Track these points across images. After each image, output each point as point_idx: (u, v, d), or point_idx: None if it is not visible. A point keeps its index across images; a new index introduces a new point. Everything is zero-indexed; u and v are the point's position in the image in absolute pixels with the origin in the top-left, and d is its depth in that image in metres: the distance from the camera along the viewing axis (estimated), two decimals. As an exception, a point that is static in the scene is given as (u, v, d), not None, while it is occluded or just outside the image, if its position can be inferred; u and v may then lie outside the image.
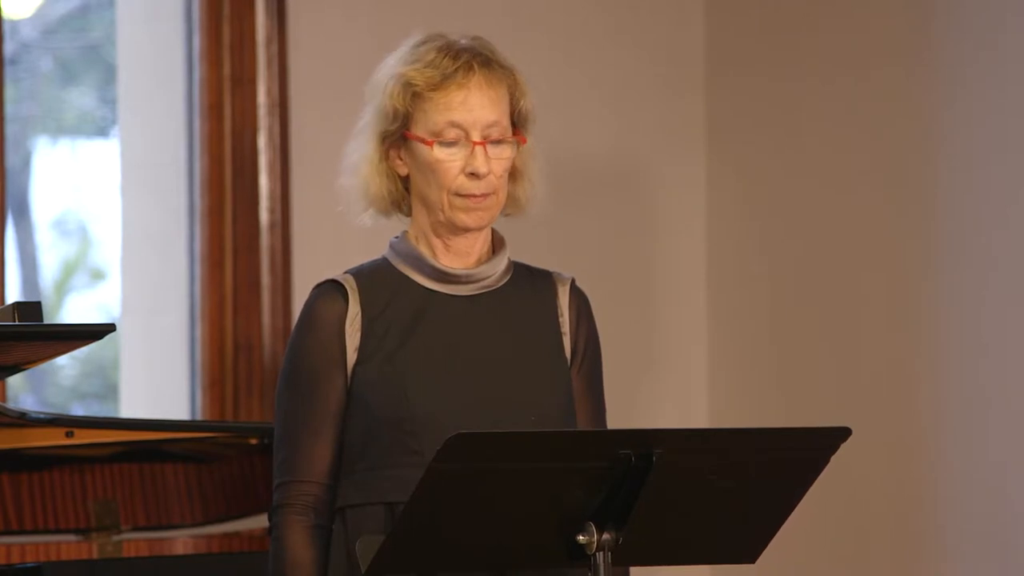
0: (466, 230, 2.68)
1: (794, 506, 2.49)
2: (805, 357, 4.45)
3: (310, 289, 2.73)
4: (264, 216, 4.12)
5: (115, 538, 3.27)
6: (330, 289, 2.69)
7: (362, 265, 2.73)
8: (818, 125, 4.44)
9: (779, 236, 4.51)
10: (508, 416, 2.64)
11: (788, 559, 4.06)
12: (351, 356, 2.66)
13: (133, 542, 3.32)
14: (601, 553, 2.41)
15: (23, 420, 3.21)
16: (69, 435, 3.23)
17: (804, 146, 4.47)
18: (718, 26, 4.60)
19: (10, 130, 4.00)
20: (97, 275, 4.99)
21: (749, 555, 2.52)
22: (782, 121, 4.50)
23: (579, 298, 2.76)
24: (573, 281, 2.77)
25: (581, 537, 2.42)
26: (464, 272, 2.70)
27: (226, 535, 3.40)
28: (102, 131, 4.87)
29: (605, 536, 2.41)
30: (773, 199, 4.51)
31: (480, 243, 2.71)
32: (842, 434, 2.46)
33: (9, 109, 3.97)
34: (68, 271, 5.03)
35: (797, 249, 4.48)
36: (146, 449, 3.33)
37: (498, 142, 2.67)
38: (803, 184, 4.47)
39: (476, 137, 2.65)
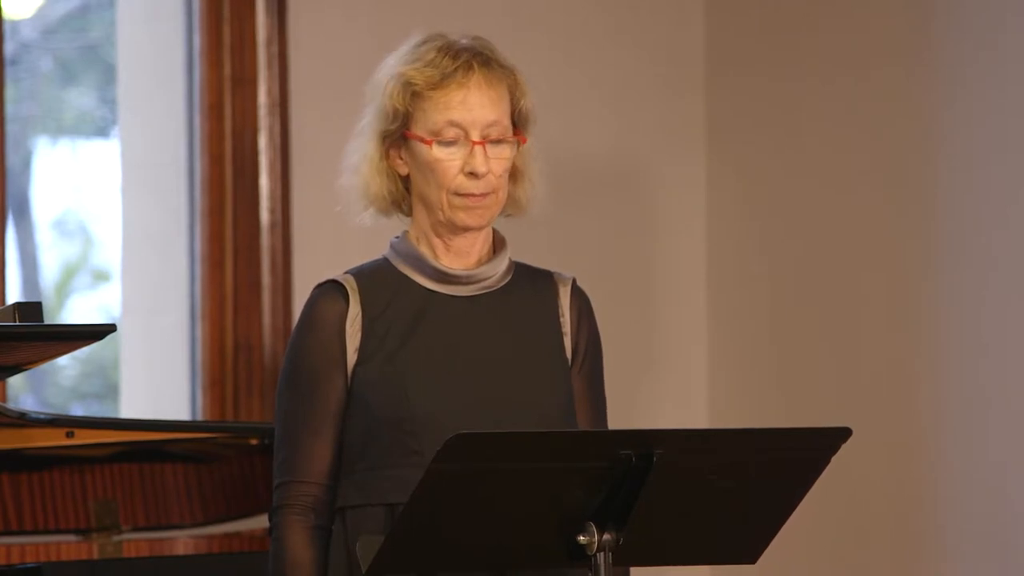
0: (466, 229, 2.68)
1: (795, 506, 2.49)
2: (805, 357, 4.45)
3: (310, 289, 2.73)
4: (264, 216, 4.12)
5: (115, 538, 3.27)
6: (330, 289, 2.69)
7: (362, 265, 2.74)
8: (818, 125, 4.44)
9: (779, 236, 4.51)
10: (508, 416, 2.64)
11: (788, 559, 4.06)
12: (351, 356, 2.66)
13: (133, 542, 3.32)
14: (602, 553, 2.41)
15: (23, 420, 3.21)
16: (69, 435, 3.23)
17: (804, 146, 4.47)
18: (718, 26, 4.60)
19: (10, 130, 4.00)
20: (100, 276, 4.99)
21: (749, 555, 2.52)
22: (782, 121, 4.50)
23: (580, 298, 2.76)
24: (574, 281, 2.77)
25: (581, 537, 2.42)
26: (464, 272, 2.70)
27: (226, 535, 3.40)
28: (102, 131, 4.87)
29: (605, 536, 2.41)
30: (773, 199, 4.51)
31: (480, 243, 2.72)
32: (842, 434, 2.46)
33: (9, 109, 3.97)
34: (70, 272, 5.02)
35: (797, 249, 4.48)
36: (146, 449, 3.33)
37: (498, 142, 2.67)
38: (803, 184, 4.47)
39: (475, 136, 2.65)
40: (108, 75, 4.53)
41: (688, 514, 2.45)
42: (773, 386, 4.49)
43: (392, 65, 2.69)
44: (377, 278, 2.70)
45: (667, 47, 4.57)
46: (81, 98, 4.96)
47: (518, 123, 2.70)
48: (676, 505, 2.43)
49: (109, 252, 4.78)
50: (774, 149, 4.52)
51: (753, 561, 2.52)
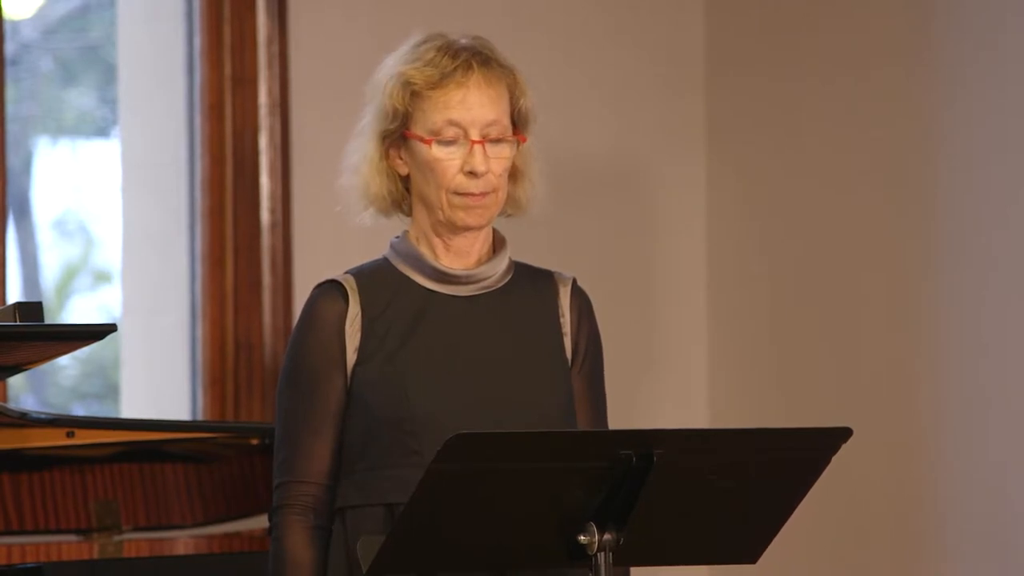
0: (466, 229, 2.68)
1: (795, 506, 2.49)
2: (805, 357, 4.45)
3: (311, 289, 2.74)
4: (265, 216, 4.12)
5: (116, 538, 3.26)
6: (330, 289, 2.70)
7: (362, 265, 2.74)
8: (818, 125, 4.44)
9: (779, 236, 4.51)
10: (508, 416, 2.64)
11: (788, 559, 4.06)
12: (351, 356, 2.66)
13: (134, 542, 3.32)
14: (602, 553, 2.41)
15: (24, 420, 3.21)
16: (70, 435, 3.23)
17: (804, 146, 4.47)
18: (718, 26, 4.60)
19: (11, 130, 4.00)
20: (100, 276, 4.99)
21: (750, 555, 2.52)
22: (782, 121, 4.50)
23: (580, 298, 2.76)
24: (574, 281, 2.77)
25: (582, 537, 2.42)
26: (464, 272, 2.70)
27: (226, 535, 3.40)
28: (103, 131, 4.87)
29: (606, 536, 2.41)
30: (773, 199, 4.52)
31: (480, 243, 2.72)
32: (843, 434, 2.46)
33: (10, 109, 3.98)
34: (70, 272, 5.03)
35: (797, 249, 4.48)
36: (147, 449, 3.32)
37: (497, 141, 2.67)
38: (803, 184, 4.47)
39: (475, 136, 2.65)
40: (108, 75, 4.53)
41: (688, 514, 2.45)
42: (773, 386, 4.49)
43: (392, 65, 2.69)
44: (377, 278, 2.70)
45: (667, 47, 4.57)
46: (81, 98, 4.97)
47: (518, 123, 2.70)
48: (676, 505, 2.44)
49: (110, 252, 4.78)
50: (774, 149, 4.52)
51: (753, 561, 2.52)
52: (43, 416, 3.25)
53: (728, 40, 4.59)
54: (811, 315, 4.44)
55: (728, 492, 2.44)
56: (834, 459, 2.49)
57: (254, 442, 3.38)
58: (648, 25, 4.56)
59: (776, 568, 3.29)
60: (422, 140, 2.66)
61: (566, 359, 2.72)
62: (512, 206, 2.73)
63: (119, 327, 3.87)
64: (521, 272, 2.75)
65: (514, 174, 2.72)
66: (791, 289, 4.48)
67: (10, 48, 4.12)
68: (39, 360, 2.92)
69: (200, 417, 4.02)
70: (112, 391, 4.50)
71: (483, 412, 2.63)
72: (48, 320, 2.67)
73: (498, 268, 2.72)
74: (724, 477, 2.43)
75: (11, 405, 3.30)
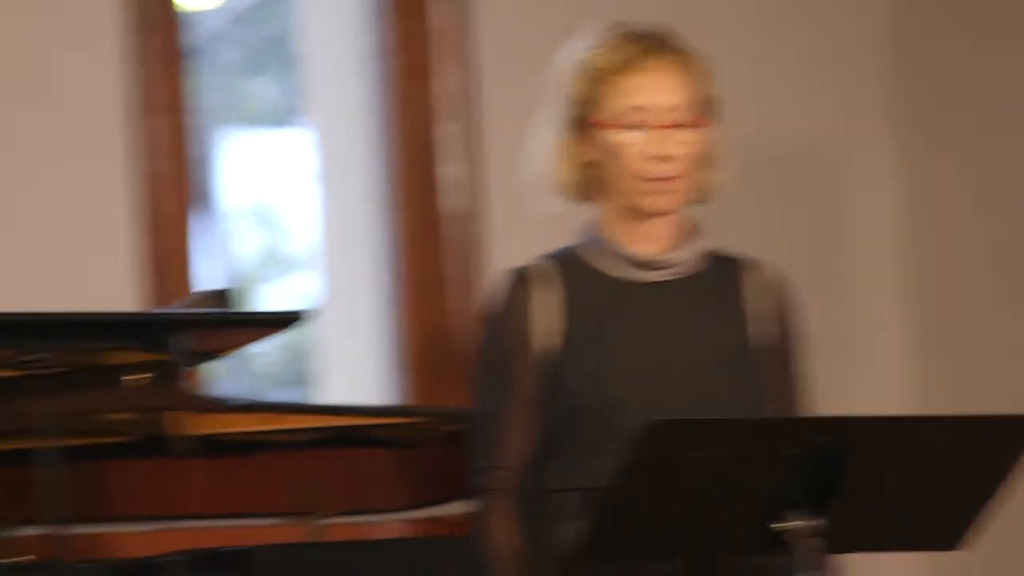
0: (654, 214, 2.69)
1: (995, 494, 2.47)
2: (1008, 344, 4.35)
3: (502, 276, 2.77)
4: (456, 204, 4.15)
5: (321, 522, 3.31)
6: (522, 276, 2.72)
7: (552, 252, 2.76)
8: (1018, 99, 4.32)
9: (969, 219, 4.41)
10: (702, 403, 2.64)
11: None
12: (544, 342, 2.68)
13: (339, 526, 3.36)
14: (802, 541, 2.41)
15: (223, 406, 3.25)
16: (271, 421, 3.27)
17: (1005, 124, 4.36)
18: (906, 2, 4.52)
19: (197, 120, 4.07)
20: (293, 265, 5.06)
21: (950, 542, 2.51)
22: (977, 98, 4.39)
23: (776, 283, 2.75)
24: (770, 266, 2.76)
25: (781, 525, 2.41)
26: (654, 258, 2.71)
27: (429, 520, 3.43)
28: (287, 121, 4.94)
29: (805, 524, 2.41)
30: (963, 181, 4.42)
31: (670, 229, 2.72)
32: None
33: (196, 99, 4.04)
34: (261, 261, 5.10)
35: (994, 233, 4.38)
36: (348, 435, 3.36)
37: (682, 126, 2.67)
38: (1007, 164, 4.36)
39: (660, 121, 2.66)
40: (294, 65, 4.60)
41: (887, 502, 2.44)
42: (972, 373, 4.40)
43: (574, 52, 2.71)
44: (567, 265, 2.72)
45: (851, 25, 4.52)
46: (267, 88, 5.04)
47: (702, 109, 2.71)
48: (874, 493, 2.42)
49: (299, 241, 4.85)
50: (968, 129, 4.41)
51: (953, 548, 2.51)
52: (243, 402, 3.30)
53: (916, 13, 4.48)
54: (1016, 302, 4.34)
55: (926, 479, 2.43)
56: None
57: (453, 428, 3.41)
58: (831, 5, 4.52)
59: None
60: (608, 126, 2.67)
61: (759, 345, 2.72)
62: (698, 192, 2.74)
63: (316, 314, 3.93)
64: (713, 258, 2.75)
65: (700, 160, 2.72)
66: (989, 275, 4.38)
67: (196, 39, 4.19)
68: (234, 347, 2.98)
69: (398, 403, 4.06)
70: (310, 378, 4.56)
71: (678, 399, 2.64)
72: (238, 307, 2.72)
73: (689, 254, 2.73)
74: (922, 464, 2.42)
75: (213, 392, 3.36)
